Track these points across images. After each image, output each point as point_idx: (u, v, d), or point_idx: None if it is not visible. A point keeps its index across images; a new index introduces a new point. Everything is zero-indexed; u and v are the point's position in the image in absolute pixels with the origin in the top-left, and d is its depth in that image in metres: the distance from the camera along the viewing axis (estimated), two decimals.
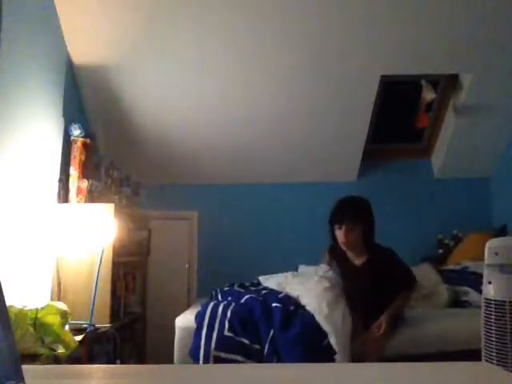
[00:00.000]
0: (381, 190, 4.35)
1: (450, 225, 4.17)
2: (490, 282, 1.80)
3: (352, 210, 2.64)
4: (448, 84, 3.98)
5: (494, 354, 1.68)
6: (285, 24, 3.22)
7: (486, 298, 1.81)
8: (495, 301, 1.74)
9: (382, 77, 3.66)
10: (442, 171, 4.32)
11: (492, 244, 1.87)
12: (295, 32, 3.28)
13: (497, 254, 1.80)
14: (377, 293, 2.50)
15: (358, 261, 2.61)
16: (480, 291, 2.26)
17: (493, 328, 1.71)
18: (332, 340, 2.69)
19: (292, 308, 2.94)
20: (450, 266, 3.80)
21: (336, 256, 2.77)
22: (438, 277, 3.57)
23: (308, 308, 2.92)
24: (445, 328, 2.95)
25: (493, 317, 1.72)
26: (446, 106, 4.08)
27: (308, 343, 2.73)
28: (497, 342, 1.68)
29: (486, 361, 1.71)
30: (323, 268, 3.40)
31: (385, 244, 4.23)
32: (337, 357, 2.64)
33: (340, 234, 2.58)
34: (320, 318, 2.80)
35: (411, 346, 2.87)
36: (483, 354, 1.78)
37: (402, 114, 4.41)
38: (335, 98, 3.71)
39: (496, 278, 1.77)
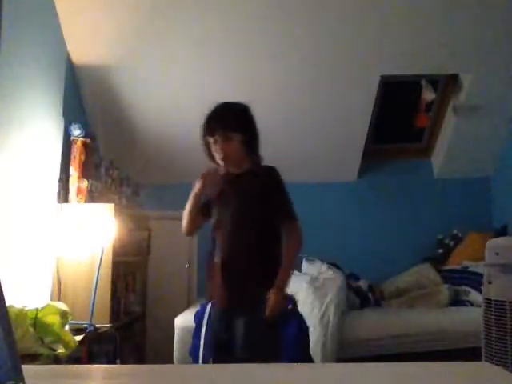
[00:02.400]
0: (381, 190, 4.35)
1: (450, 225, 4.17)
2: (490, 282, 1.79)
3: (226, 117, 2.12)
4: (448, 84, 3.98)
5: (494, 354, 1.68)
6: (285, 24, 3.22)
7: (486, 298, 1.81)
8: (495, 301, 1.73)
9: (382, 77, 3.66)
10: (442, 171, 4.32)
11: (492, 244, 1.87)
12: (295, 32, 3.27)
13: (497, 254, 1.79)
14: (256, 206, 2.03)
15: (238, 170, 2.09)
16: (480, 291, 2.26)
17: (493, 328, 1.71)
18: (312, 336, 2.72)
19: (290, 307, 2.95)
20: (450, 266, 3.80)
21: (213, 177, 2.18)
22: (438, 277, 3.58)
23: (299, 307, 2.94)
24: (445, 327, 2.95)
25: (493, 317, 1.72)
26: (446, 106, 4.08)
27: (306, 343, 2.75)
28: (497, 341, 1.68)
29: (486, 360, 1.71)
30: (323, 267, 3.42)
31: (385, 243, 4.28)
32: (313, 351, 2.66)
33: (216, 148, 2.07)
34: (306, 317, 2.83)
35: (412, 344, 2.88)
36: (483, 353, 1.78)
37: (401, 114, 4.41)
38: (335, 98, 3.71)
39: (496, 278, 1.77)
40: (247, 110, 2.20)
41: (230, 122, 2.09)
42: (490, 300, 1.76)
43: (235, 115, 2.15)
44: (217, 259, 2.03)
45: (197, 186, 2.09)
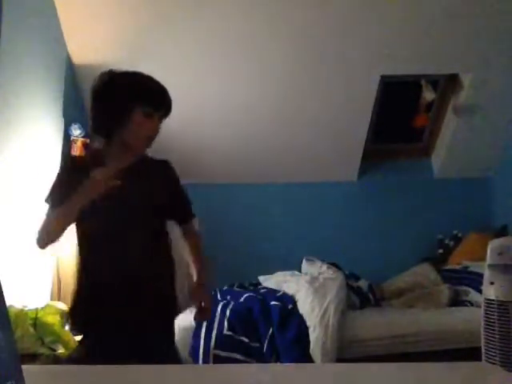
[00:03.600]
0: (381, 190, 4.35)
1: (450, 225, 4.17)
2: (492, 283, 1.79)
3: (167, 93, 1.72)
4: (448, 84, 3.98)
5: (498, 355, 1.67)
6: (285, 24, 3.22)
7: (487, 299, 1.80)
8: (498, 301, 1.73)
9: (382, 77, 3.66)
10: (442, 171, 4.32)
11: (495, 244, 1.86)
12: (295, 32, 3.28)
13: (500, 254, 1.78)
14: (155, 205, 1.69)
15: (123, 162, 1.61)
16: (480, 291, 2.25)
17: (496, 329, 1.70)
18: (312, 336, 2.73)
19: (290, 307, 2.96)
20: (450, 266, 3.80)
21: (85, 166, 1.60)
22: (439, 277, 3.58)
23: (299, 308, 2.94)
24: (445, 327, 2.95)
25: (496, 318, 1.71)
26: (446, 106, 4.08)
27: (306, 343, 2.75)
28: (500, 343, 1.67)
29: (487, 361, 1.71)
30: (323, 267, 3.43)
31: (385, 243, 4.28)
32: (313, 351, 2.67)
33: (149, 123, 1.67)
34: (306, 317, 2.83)
35: (412, 344, 2.88)
36: (483, 354, 1.77)
37: (402, 114, 4.41)
38: (335, 98, 3.71)
39: (499, 278, 1.76)
40: None
41: (170, 100, 1.74)
42: (493, 301, 1.75)
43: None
44: (105, 277, 1.61)
45: (94, 187, 1.53)
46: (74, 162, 1.75)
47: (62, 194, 1.59)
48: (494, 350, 1.71)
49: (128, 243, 1.63)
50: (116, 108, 1.62)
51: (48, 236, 1.64)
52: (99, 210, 1.57)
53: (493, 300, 1.76)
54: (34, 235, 1.65)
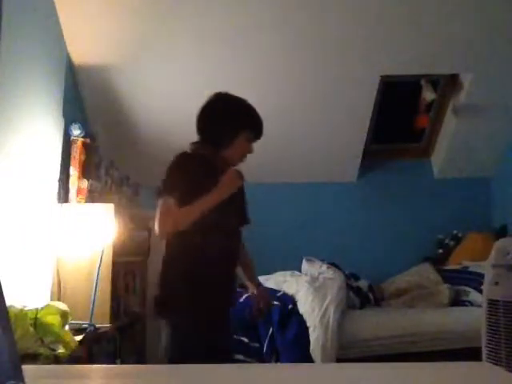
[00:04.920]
0: (381, 190, 4.35)
1: (450, 225, 4.17)
2: (496, 283, 1.77)
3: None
4: (448, 84, 3.98)
5: (503, 355, 1.66)
6: (285, 24, 3.22)
7: (491, 299, 1.79)
8: (503, 302, 1.71)
9: (382, 77, 3.66)
10: (442, 171, 4.32)
11: (502, 244, 1.85)
12: (295, 32, 3.28)
13: (508, 254, 1.77)
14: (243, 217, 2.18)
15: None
16: (480, 291, 2.25)
17: (501, 329, 1.69)
18: (312, 336, 2.73)
19: (290, 307, 2.96)
20: (450, 266, 3.81)
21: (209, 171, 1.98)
22: (439, 276, 3.58)
23: (299, 308, 2.95)
24: (445, 327, 2.96)
25: (501, 318, 1.70)
26: (446, 106, 4.08)
27: (306, 343, 2.75)
28: (505, 343, 1.67)
29: (490, 361, 1.70)
30: (324, 267, 3.43)
31: (385, 243, 4.29)
32: (313, 352, 2.68)
33: (248, 149, 2.06)
34: (306, 317, 2.84)
35: (412, 344, 2.88)
36: (485, 354, 1.77)
37: (402, 115, 4.41)
38: (335, 98, 3.71)
39: (504, 278, 1.75)
40: None
41: None
42: (497, 301, 1.73)
43: None
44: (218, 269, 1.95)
45: (236, 183, 1.94)
46: (199, 161, 2.04)
47: (196, 187, 1.87)
48: (497, 350, 1.70)
49: (235, 239, 2.12)
50: (227, 131, 2.01)
51: (185, 223, 1.85)
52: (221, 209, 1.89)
53: (497, 300, 1.75)
54: (158, 225, 1.85)
